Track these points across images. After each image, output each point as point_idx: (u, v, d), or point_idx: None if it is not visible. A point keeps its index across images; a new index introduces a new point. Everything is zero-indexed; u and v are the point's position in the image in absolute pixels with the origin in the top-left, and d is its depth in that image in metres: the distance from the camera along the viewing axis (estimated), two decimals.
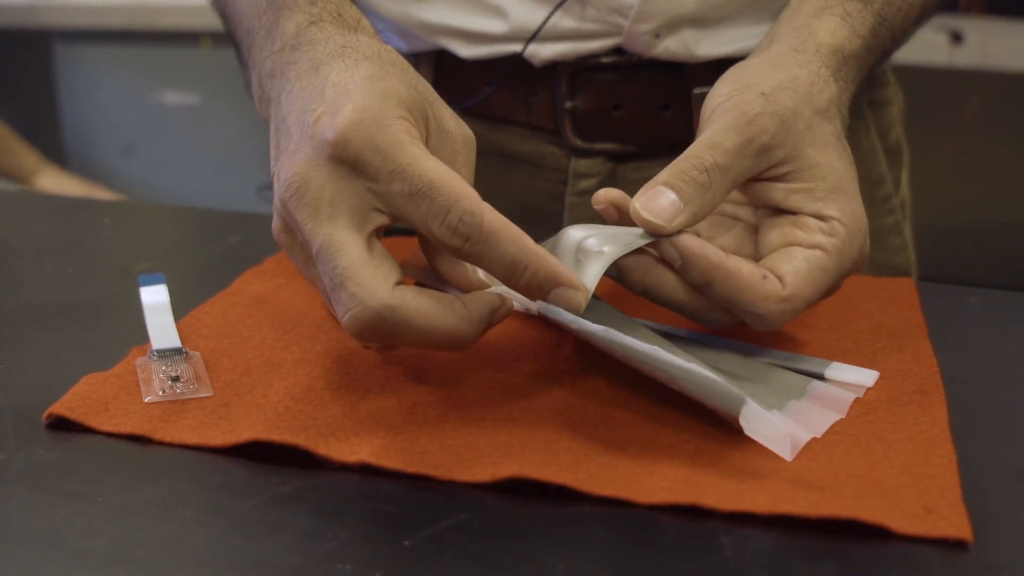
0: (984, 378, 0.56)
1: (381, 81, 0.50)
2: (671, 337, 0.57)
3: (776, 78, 0.55)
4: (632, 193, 0.77)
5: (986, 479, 0.47)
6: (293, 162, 0.49)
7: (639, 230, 0.51)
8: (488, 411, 0.51)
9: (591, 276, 0.50)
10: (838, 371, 0.54)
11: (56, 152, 2.17)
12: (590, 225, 0.53)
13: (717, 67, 0.74)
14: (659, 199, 0.51)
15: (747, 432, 0.46)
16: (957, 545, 0.42)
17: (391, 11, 0.78)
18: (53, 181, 1.95)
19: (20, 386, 0.54)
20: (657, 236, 0.51)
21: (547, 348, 0.57)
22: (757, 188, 0.54)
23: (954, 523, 0.43)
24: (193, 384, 0.53)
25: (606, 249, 0.50)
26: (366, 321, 0.47)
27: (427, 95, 0.52)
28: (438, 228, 0.47)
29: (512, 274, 0.47)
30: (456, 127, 0.52)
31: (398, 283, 0.48)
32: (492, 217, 0.47)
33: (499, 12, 0.74)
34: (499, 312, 0.50)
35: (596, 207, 0.54)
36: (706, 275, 0.50)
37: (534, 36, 0.73)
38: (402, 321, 0.47)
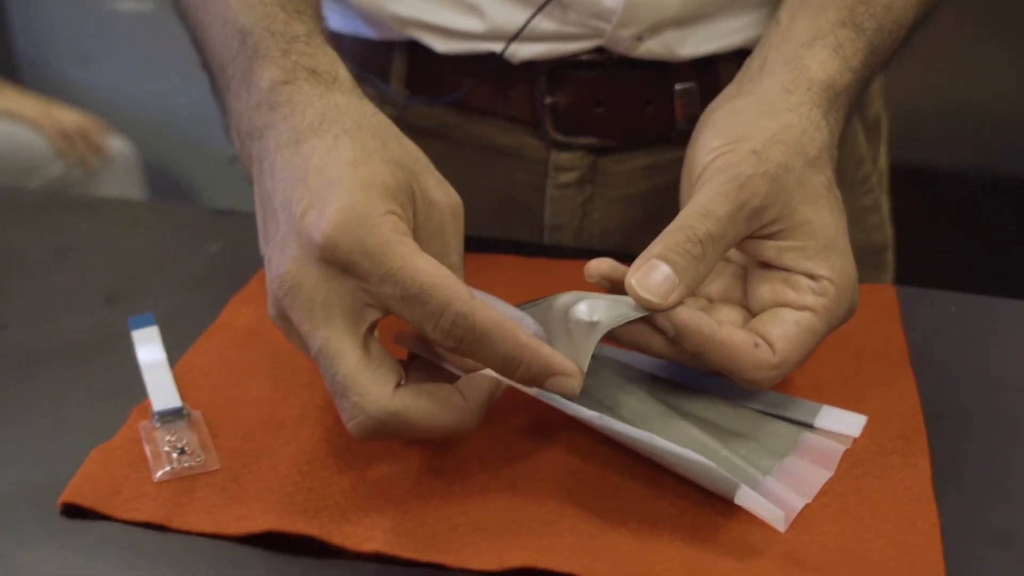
0: (965, 412, 0.59)
1: (364, 167, 0.50)
2: (663, 383, 0.58)
3: (767, 129, 0.55)
4: (612, 184, 0.79)
5: (968, 543, 0.49)
6: (283, 257, 0.49)
7: (632, 301, 0.52)
8: (491, 477, 0.52)
9: (584, 352, 0.51)
10: (827, 419, 0.56)
11: (8, 64, 2.11)
12: (583, 293, 0.53)
13: (699, 64, 0.74)
14: (654, 274, 0.51)
15: (740, 505, 0.49)
16: None
17: (362, 2, 0.76)
18: (8, 101, 1.90)
19: (26, 461, 0.55)
20: (653, 311, 0.52)
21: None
22: (748, 244, 0.55)
23: None
24: (200, 456, 0.54)
25: (596, 318, 0.51)
26: (370, 428, 0.48)
27: (411, 166, 0.52)
28: (432, 330, 0.48)
29: (508, 369, 0.48)
30: (442, 196, 0.52)
31: (398, 385, 0.49)
32: (484, 316, 0.47)
33: (475, 11, 0.73)
34: (496, 395, 0.51)
35: (588, 280, 0.55)
36: (699, 347, 0.52)
37: (514, 38, 0.72)
38: (405, 424, 0.48)
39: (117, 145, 2.01)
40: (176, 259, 0.74)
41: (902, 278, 0.90)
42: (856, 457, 0.54)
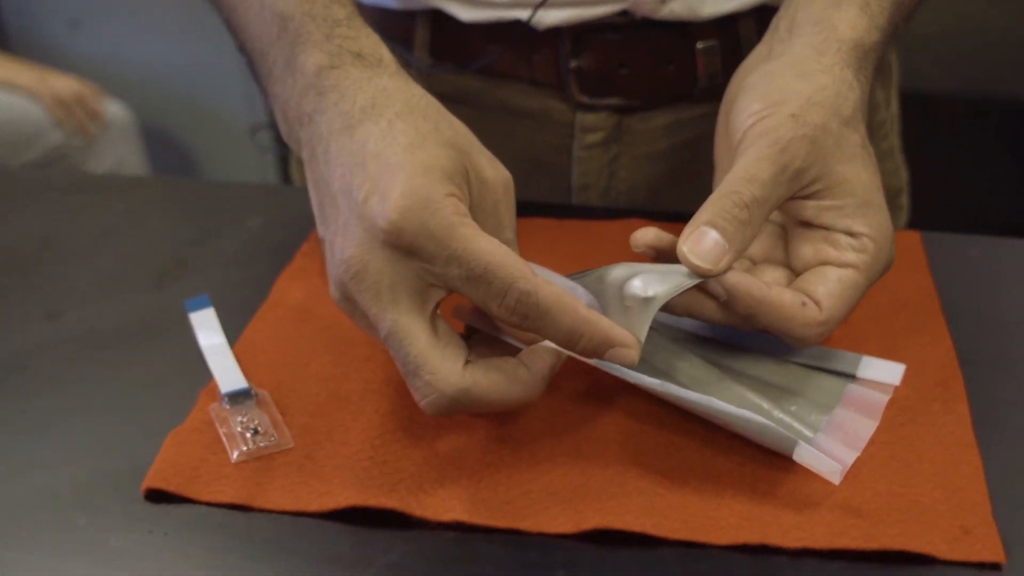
0: (997, 355, 0.61)
1: (422, 151, 0.51)
2: (710, 343, 0.61)
3: (803, 92, 0.56)
4: (637, 143, 0.81)
5: (1011, 482, 0.52)
6: (347, 242, 0.51)
7: (683, 268, 0.54)
8: (556, 444, 0.55)
9: (640, 325, 0.53)
10: (868, 368, 0.59)
11: None
12: (634, 264, 0.55)
13: (719, 23, 0.76)
14: (704, 241, 0.53)
15: (799, 462, 0.51)
16: (993, 567, 0.48)
17: None
18: (2, 70, 1.90)
19: (101, 447, 0.57)
20: (705, 277, 0.54)
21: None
22: (789, 205, 0.57)
23: (988, 546, 0.48)
24: (273, 435, 0.56)
25: (651, 293, 0.53)
26: (443, 406, 0.51)
27: (464, 146, 0.53)
28: (497, 308, 0.50)
29: (569, 342, 0.51)
30: (494, 173, 0.54)
31: (466, 362, 0.51)
32: (547, 293, 0.49)
33: None
34: (558, 365, 0.54)
35: (635, 250, 0.57)
36: (750, 309, 0.54)
37: (541, 4, 0.74)
38: (475, 400, 0.51)
39: (114, 111, 2.00)
40: (218, 236, 0.76)
41: (916, 216, 0.92)
42: (899, 405, 0.57)
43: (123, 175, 1.82)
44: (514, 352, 0.54)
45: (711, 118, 0.65)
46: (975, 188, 1.99)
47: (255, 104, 1.95)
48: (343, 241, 0.52)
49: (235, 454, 0.55)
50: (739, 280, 0.54)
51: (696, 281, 0.54)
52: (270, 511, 0.52)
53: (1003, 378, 0.60)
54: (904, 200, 0.90)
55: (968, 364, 0.60)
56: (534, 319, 0.50)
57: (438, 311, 0.52)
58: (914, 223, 0.87)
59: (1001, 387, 0.59)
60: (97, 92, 1.97)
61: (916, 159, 0.95)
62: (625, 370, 0.52)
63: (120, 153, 1.98)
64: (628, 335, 0.52)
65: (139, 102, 2.03)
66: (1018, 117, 1.98)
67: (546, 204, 0.78)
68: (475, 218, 0.52)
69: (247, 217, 0.78)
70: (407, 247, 0.50)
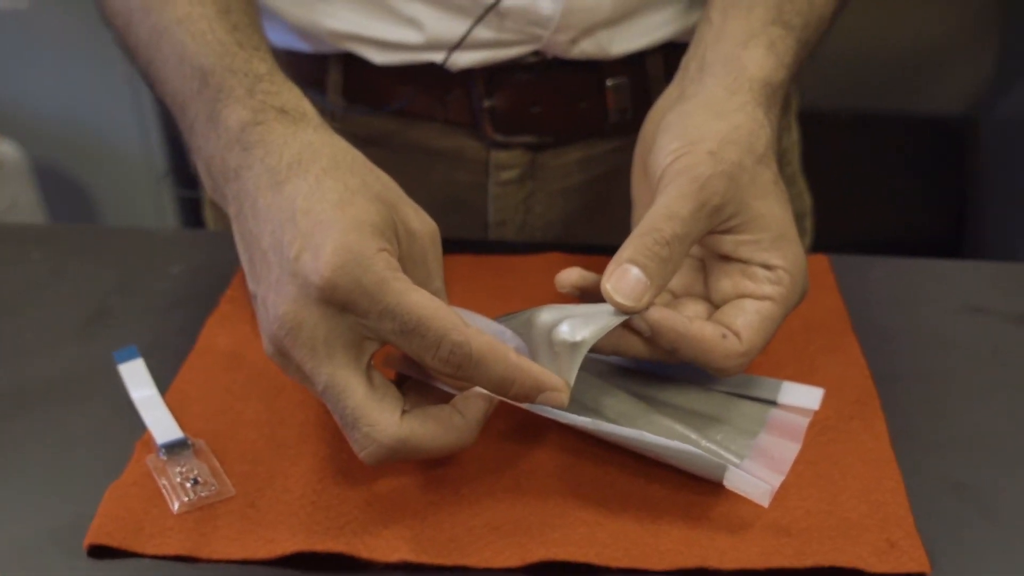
0: (908, 371, 0.65)
1: (351, 207, 0.52)
2: (636, 376, 0.63)
3: (719, 130, 0.59)
4: (551, 178, 0.83)
5: (930, 494, 0.55)
6: (280, 298, 0.52)
7: (608, 308, 0.56)
8: (496, 481, 0.56)
9: (570, 369, 0.54)
10: (788, 394, 0.61)
11: None
12: (560, 307, 0.57)
13: (627, 60, 0.78)
14: (627, 278, 0.55)
15: (728, 487, 0.53)
16: None
17: (298, 18, 0.78)
18: None
19: (41, 504, 0.57)
20: (630, 314, 0.56)
21: None
22: (707, 239, 0.59)
23: (914, 557, 0.51)
24: (213, 484, 0.56)
25: (579, 337, 0.55)
26: (382, 456, 0.52)
27: (391, 199, 0.55)
28: (431, 360, 0.51)
29: (501, 389, 0.52)
30: (421, 225, 0.55)
31: (404, 412, 0.52)
32: (479, 343, 0.51)
33: (414, 23, 0.75)
34: (491, 409, 0.55)
35: (560, 290, 0.59)
36: (673, 343, 0.56)
37: (455, 48, 0.75)
38: (413, 448, 0.52)
39: (5, 149, 1.95)
40: (141, 284, 0.76)
41: (819, 236, 0.96)
42: (820, 425, 0.60)
43: (29, 223, 1.78)
44: (446, 398, 0.55)
45: (622, 152, 0.67)
46: (874, 204, 2.05)
47: (151, 143, 1.93)
48: (276, 297, 0.52)
49: (176, 505, 0.55)
50: (662, 316, 0.56)
51: (621, 319, 0.56)
52: (217, 561, 0.53)
53: (915, 392, 0.63)
54: (808, 223, 0.94)
55: (882, 380, 0.63)
56: (467, 368, 0.51)
57: (372, 362, 0.53)
58: (818, 244, 0.91)
59: (914, 401, 0.62)
60: None
61: (815, 177, 0.98)
62: (556, 411, 0.54)
63: (12, 193, 1.93)
64: (558, 379, 0.53)
65: (32, 142, 1.99)
66: (913, 131, 2.04)
67: (464, 240, 0.79)
68: (405, 270, 0.53)
69: (168, 263, 0.78)
70: (341, 303, 0.51)
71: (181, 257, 0.79)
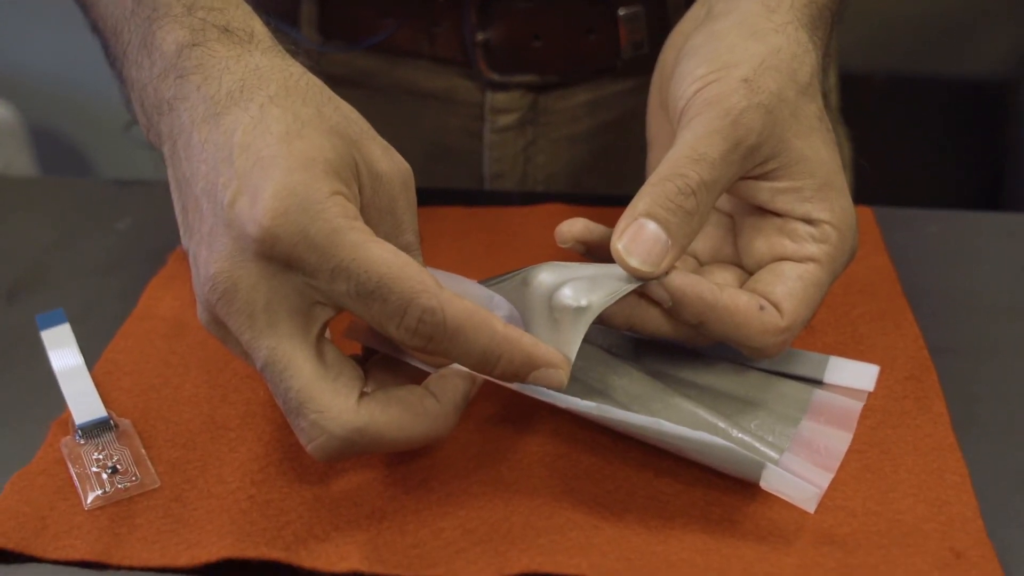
0: (967, 342, 0.55)
1: (300, 141, 0.42)
2: (653, 348, 0.53)
3: (756, 54, 0.49)
4: (555, 124, 0.73)
5: (1001, 490, 0.46)
6: (213, 255, 0.42)
7: (619, 270, 0.46)
8: (472, 474, 0.47)
9: (571, 339, 0.45)
10: (836, 371, 0.51)
11: None
12: (562, 265, 0.47)
13: None
14: (643, 237, 0.45)
15: (765, 489, 0.44)
16: None
17: None
18: None
19: None
20: (645, 280, 0.46)
21: None
22: (739, 186, 0.50)
23: (985, 571, 0.41)
24: (135, 474, 0.47)
25: (585, 302, 0.45)
26: (334, 449, 0.42)
27: (353, 133, 0.45)
28: (396, 330, 0.41)
29: (485, 366, 0.42)
30: (390, 165, 0.45)
31: (361, 394, 0.43)
32: (456, 309, 0.41)
33: None
34: (473, 391, 0.45)
35: (561, 245, 0.49)
36: (700, 316, 0.46)
37: None
38: (373, 440, 0.42)
39: (0, 111, 1.89)
40: (79, 241, 0.67)
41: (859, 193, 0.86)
42: (867, 406, 0.50)
43: None
44: (421, 377, 0.45)
45: (636, 94, 0.58)
46: (910, 167, 1.96)
47: None
48: (208, 254, 0.43)
49: (89, 498, 0.46)
50: (685, 282, 0.46)
51: (635, 285, 0.46)
52: (130, 567, 0.44)
53: (979, 367, 0.53)
54: (848, 177, 0.83)
55: (939, 353, 0.53)
56: (441, 341, 0.41)
57: (326, 334, 0.44)
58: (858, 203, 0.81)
59: (977, 378, 0.52)
60: None
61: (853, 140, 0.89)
62: (553, 393, 0.44)
63: (8, 155, 1.87)
64: (555, 353, 0.43)
65: (25, 102, 1.92)
66: (952, 94, 1.96)
67: (452, 190, 0.70)
68: (368, 220, 0.44)
69: (115, 218, 0.69)
70: (284, 259, 0.41)
71: (130, 210, 0.70)
